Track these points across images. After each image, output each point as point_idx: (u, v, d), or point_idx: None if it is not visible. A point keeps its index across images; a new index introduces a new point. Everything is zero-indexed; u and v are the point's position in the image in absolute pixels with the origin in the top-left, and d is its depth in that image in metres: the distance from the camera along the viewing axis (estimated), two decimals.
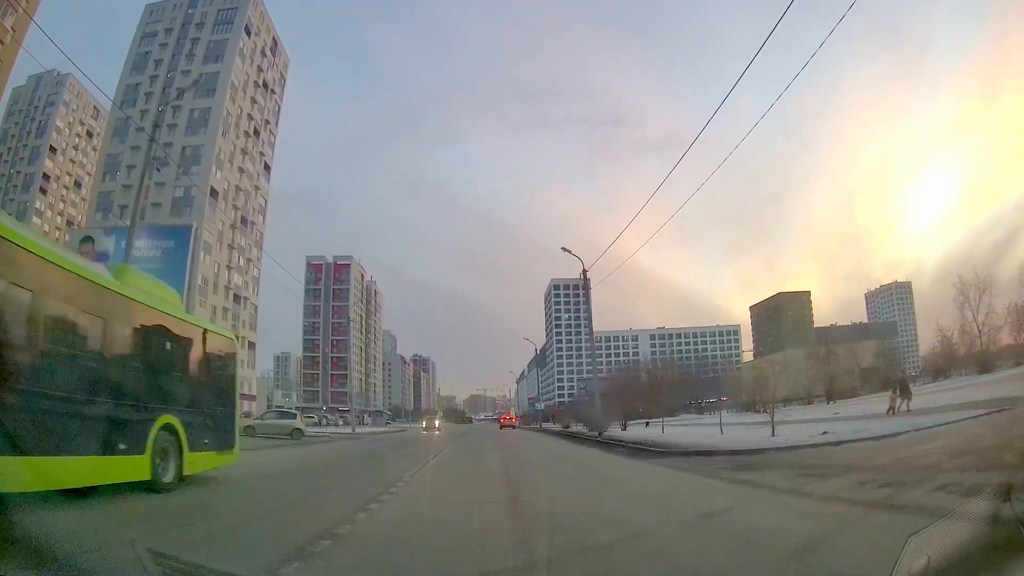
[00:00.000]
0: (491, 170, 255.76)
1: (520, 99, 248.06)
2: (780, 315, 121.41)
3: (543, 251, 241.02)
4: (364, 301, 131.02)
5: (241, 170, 58.96)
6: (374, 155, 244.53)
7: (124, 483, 6.52)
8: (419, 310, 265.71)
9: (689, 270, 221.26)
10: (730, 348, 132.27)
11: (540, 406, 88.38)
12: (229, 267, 56.56)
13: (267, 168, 65.67)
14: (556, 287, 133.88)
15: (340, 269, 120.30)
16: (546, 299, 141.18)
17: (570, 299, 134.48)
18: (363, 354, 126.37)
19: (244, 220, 59.51)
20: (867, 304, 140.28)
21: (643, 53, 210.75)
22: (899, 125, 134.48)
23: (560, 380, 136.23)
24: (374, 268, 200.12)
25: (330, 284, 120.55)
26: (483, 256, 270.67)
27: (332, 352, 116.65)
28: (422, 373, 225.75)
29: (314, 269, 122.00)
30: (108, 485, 6.24)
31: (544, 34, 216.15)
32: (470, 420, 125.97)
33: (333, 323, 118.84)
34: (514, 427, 57.85)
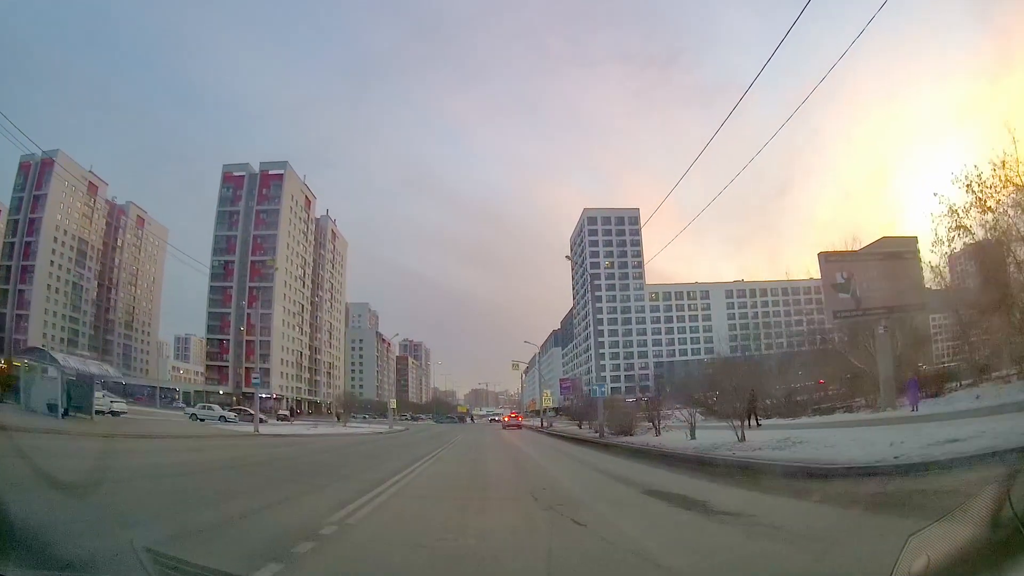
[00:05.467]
0: (503, 153, 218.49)
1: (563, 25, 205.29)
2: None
3: (556, 244, 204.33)
4: (313, 242, 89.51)
5: None
6: (374, 129, 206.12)
7: None
8: (420, 305, 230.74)
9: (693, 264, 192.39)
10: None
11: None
12: None
13: None
14: (592, 220, 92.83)
15: (269, 182, 78.70)
16: (573, 243, 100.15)
17: (611, 237, 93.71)
18: (306, 316, 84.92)
19: None
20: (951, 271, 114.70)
21: None
22: (904, 117, 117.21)
23: (602, 354, 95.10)
24: (376, 264, 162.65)
25: (252, 204, 78.69)
26: (492, 250, 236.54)
27: (251, 308, 74.54)
28: (411, 359, 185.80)
29: (232, 184, 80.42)
30: None
31: None
32: (461, 418, 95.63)
33: (253, 262, 76.92)
34: (519, 427, 55.72)
